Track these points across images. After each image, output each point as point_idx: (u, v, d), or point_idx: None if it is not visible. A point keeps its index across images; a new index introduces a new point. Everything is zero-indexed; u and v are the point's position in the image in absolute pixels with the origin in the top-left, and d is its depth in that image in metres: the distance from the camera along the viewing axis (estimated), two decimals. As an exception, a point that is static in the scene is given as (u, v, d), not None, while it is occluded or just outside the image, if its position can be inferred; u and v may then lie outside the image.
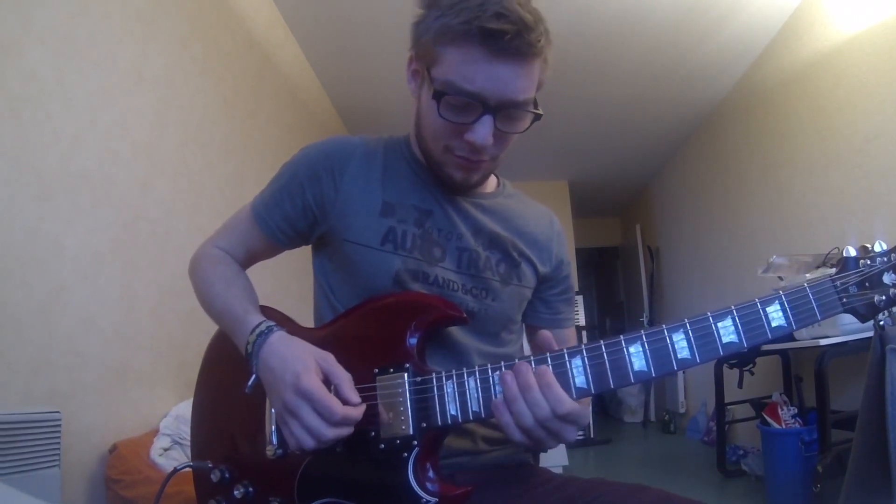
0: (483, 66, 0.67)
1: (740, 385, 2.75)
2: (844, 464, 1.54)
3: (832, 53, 2.55)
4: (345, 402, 0.64)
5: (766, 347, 2.49)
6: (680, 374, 4.68)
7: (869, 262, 0.61)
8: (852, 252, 0.62)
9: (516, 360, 0.64)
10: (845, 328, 1.99)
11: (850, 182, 2.46)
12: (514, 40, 0.65)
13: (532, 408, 0.59)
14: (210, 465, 0.77)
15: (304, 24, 2.73)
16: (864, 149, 2.36)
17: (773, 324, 0.59)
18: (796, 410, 2.40)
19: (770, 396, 2.58)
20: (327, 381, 0.65)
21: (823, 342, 2.01)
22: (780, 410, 2.38)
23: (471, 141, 0.71)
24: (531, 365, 0.63)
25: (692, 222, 4.44)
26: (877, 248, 0.62)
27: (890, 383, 1.29)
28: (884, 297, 0.60)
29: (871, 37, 2.30)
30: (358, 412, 0.64)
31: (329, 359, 0.67)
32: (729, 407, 3.01)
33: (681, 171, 4.67)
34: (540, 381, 0.60)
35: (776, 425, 2.35)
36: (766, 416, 2.42)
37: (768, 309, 0.59)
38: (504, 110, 0.70)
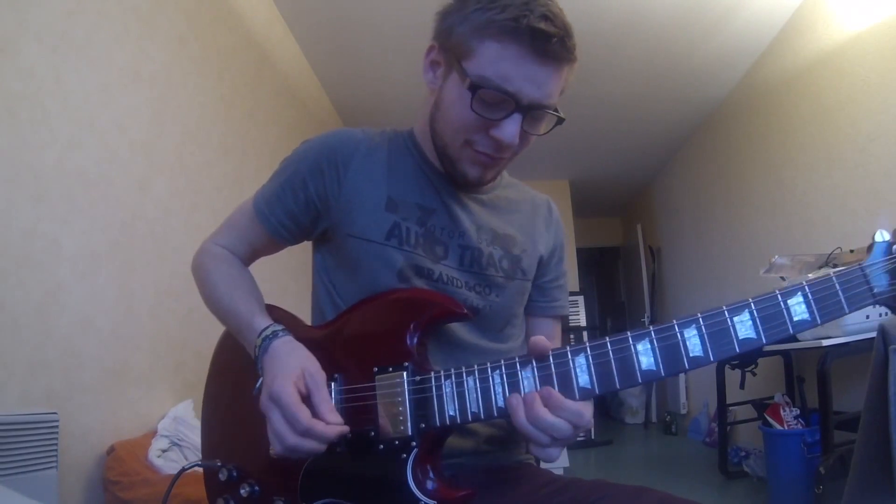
0: (525, 65, 0.67)
1: (742, 386, 2.74)
2: (847, 465, 1.53)
3: (834, 52, 2.53)
4: (321, 419, 0.63)
5: (768, 348, 2.47)
6: (682, 374, 4.67)
7: None
8: (886, 236, 0.55)
9: (516, 360, 0.62)
10: (848, 328, 1.97)
11: (853, 181, 2.45)
12: (557, 44, 0.66)
13: (551, 432, 0.58)
14: (219, 465, 0.77)
15: (303, 22, 2.73)
16: (867, 148, 2.35)
17: (796, 318, 0.53)
18: (798, 411, 2.39)
19: (772, 397, 2.57)
20: (308, 398, 0.65)
21: (826, 343, 2.00)
22: (782, 411, 2.37)
23: (498, 138, 0.70)
24: (533, 368, 0.61)
25: (694, 222, 4.43)
26: None
27: (893, 384, 1.28)
28: None
29: (874, 35, 2.29)
30: (326, 429, 0.63)
31: (318, 378, 0.67)
32: (731, 408, 3.00)
33: (682, 170, 4.66)
34: (549, 405, 0.58)
35: (778, 426, 2.34)
36: (768, 418, 2.40)
37: (790, 301, 0.54)
38: (532, 111, 0.70)
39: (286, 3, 2.59)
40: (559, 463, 2.65)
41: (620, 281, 6.70)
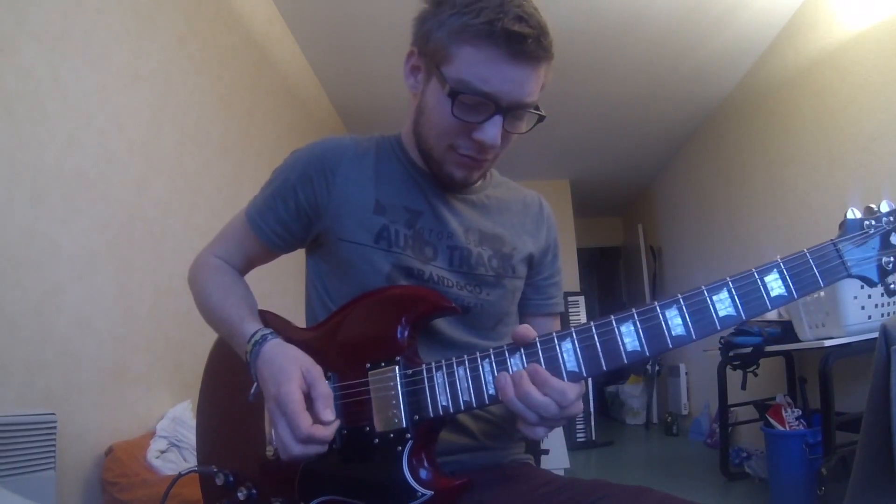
0: (502, 67, 0.68)
1: (744, 386, 2.73)
2: (849, 466, 1.52)
3: (836, 51, 2.53)
4: (317, 420, 0.64)
5: (769, 348, 2.47)
6: (683, 375, 4.66)
7: (874, 222, 0.58)
8: (857, 213, 0.58)
9: (504, 347, 0.64)
10: (850, 329, 1.96)
11: (855, 181, 2.44)
12: (533, 44, 0.67)
13: (539, 410, 0.59)
14: (215, 470, 0.78)
15: (303, 21, 2.72)
16: (869, 147, 2.34)
17: (773, 293, 0.57)
18: (800, 412, 2.38)
19: (774, 398, 2.56)
20: (309, 395, 0.66)
21: (828, 343, 1.99)
22: (783, 412, 2.36)
23: (480, 140, 0.72)
24: (521, 355, 0.62)
25: (695, 222, 4.42)
26: (883, 209, 0.58)
27: (895, 385, 1.27)
28: (892, 259, 0.56)
29: (876, 34, 2.28)
30: (326, 432, 0.63)
31: (314, 372, 0.67)
32: (732, 409, 2.99)
33: (683, 169, 4.65)
34: (536, 382, 0.60)
35: (780, 427, 2.33)
36: (769, 418, 2.39)
37: (766, 278, 0.57)
38: (513, 111, 0.71)
39: (286, 2, 2.59)
40: (560, 463, 2.65)
41: (621, 281, 6.69)
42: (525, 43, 0.66)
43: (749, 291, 0.57)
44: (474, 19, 0.67)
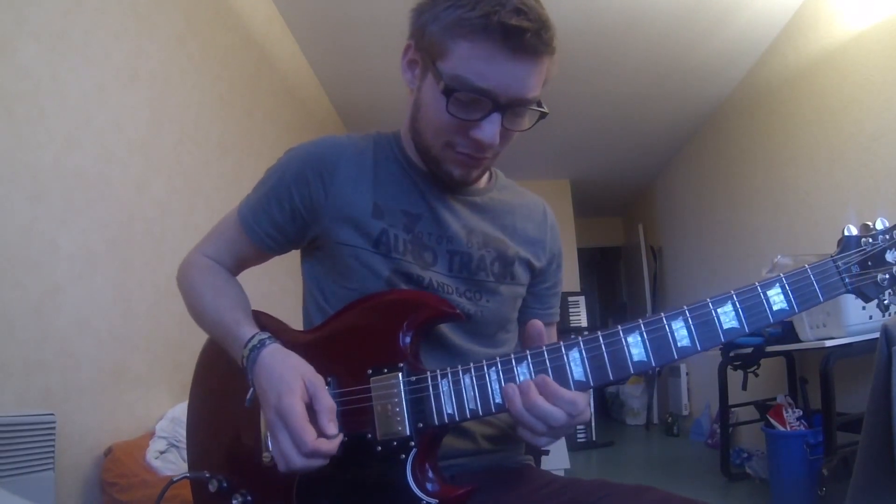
0: (499, 62, 0.65)
1: (744, 387, 2.73)
2: (850, 467, 1.52)
3: (837, 51, 2.52)
4: (321, 433, 0.62)
5: (770, 349, 2.46)
6: (683, 375, 4.65)
7: (871, 240, 0.60)
8: (853, 231, 0.61)
9: (511, 356, 0.63)
10: (851, 329, 1.96)
11: (856, 181, 2.43)
12: (532, 38, 0.64)
13: (547, 420, 0.59)
14: (207, 475, 0.76)
15: (302, 21, 2.72)
16: (870, 147, 2.34)
17: (775, 307, 0.58)
18: (801, 413, 2.37)
19: (775, 398, 2.55)
20: (311, 406, 0.64)
21: (829, 343, 1.99)
22: (784, 413, 2.36)
23: (478, 139, 0.69)
24: (529, 364, 0.61)
25: (696, 221, 4.42)
26: (878, 226, 0.60)
27: (896, 385, 1.27)
28: (887, 276, 0.58)
29: (877, 34, 2.27)
30: (330, 445, 0.62)
31: (317, 383, 0.65)
32: (733, 409, 2.98)
33: (684, 169, 4.64)
34: (545, 393, 0.59)
35: (781, 428, 2.33)
36: (770, 419, 2.39)
37: (769, 292, 0.59)
38: (512, 108, 0.68)
39: (285, 2, 2.59)
40: (560, 464, 2.64)
41: (622, 281, 6.69)
42: (524, 37, 0.63)
43: (752, 305, 0.58)
44: (469, 12, 0.64)
